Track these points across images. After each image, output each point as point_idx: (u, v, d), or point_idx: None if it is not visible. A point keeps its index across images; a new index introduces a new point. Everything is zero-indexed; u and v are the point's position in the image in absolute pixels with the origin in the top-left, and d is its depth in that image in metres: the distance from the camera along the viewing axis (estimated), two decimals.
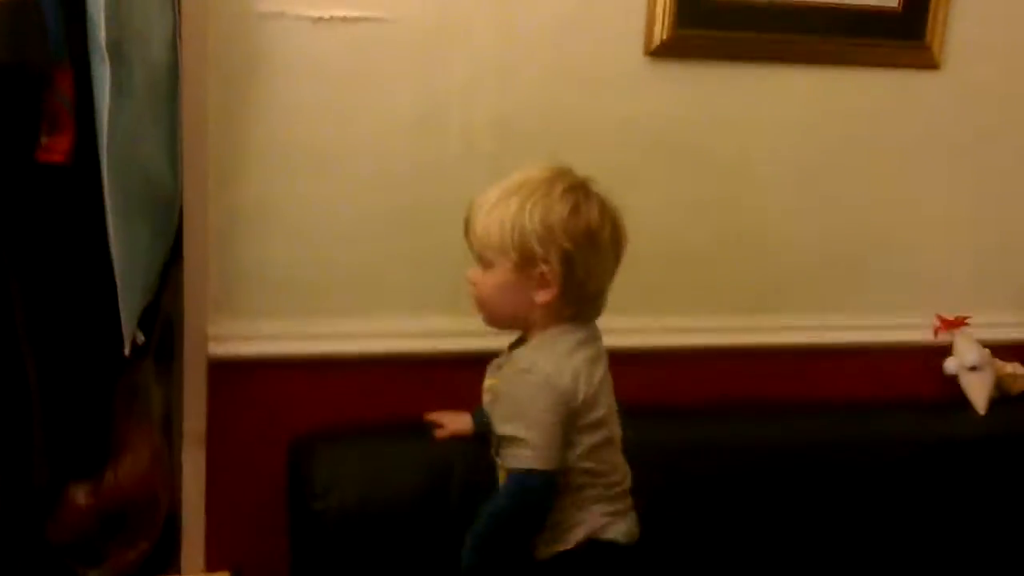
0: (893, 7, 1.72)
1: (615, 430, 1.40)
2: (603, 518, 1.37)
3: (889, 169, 1.81)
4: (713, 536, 1.67)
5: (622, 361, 1.69)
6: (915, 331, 1.89)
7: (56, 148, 1.23)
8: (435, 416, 1.57)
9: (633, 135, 1.68)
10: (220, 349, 1.57)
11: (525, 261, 1.30)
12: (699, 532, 1.66)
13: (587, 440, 1.34)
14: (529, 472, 1.30)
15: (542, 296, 1.32)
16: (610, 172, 1.63)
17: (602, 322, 1.67)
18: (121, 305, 1.33)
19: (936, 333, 1.89)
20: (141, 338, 1.39)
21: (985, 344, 1.86)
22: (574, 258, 1.30)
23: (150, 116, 1.35)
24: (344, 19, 1.52)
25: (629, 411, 1.69)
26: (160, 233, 1.45)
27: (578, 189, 1.33)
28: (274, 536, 1.59)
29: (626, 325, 1.70)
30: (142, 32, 1.27)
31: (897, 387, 1.89)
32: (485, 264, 1.34)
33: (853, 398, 1.85)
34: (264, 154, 1.54)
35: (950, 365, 1.88)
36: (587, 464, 1.35)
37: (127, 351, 1.34)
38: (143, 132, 1.32)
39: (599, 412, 1.35)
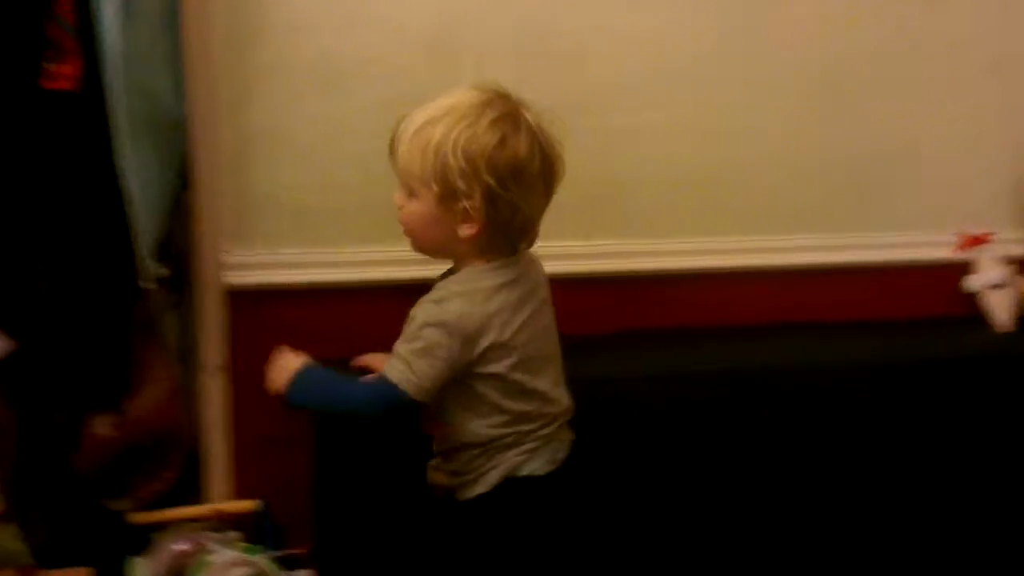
0: None
1: (540, 371, 1.33)
2: (517, 458, 1.32)
3: (905, 86, 1.75)
4: (723, 462, 1.64)
5: (640, 284, 1.71)
6: (935, 248, 1.84)
7: (63, 74, 1.17)
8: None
9: (647, 53, 1.62)
10: (236, 278, 1.53)
11: (448, 195, 1.23)
12: (707, 458, 1.63)
13: (493, 391, 1.29)
14: (401, 392, 1.26)
15: (465, 230, 1.25)
16: (623, 91, 1.62)
17: (618, 245, 1.68)
18: (136, 235, 1.29)
19: (957, 250, 1.85)
20: (164, 271, 1.35)
21: (1008, 261, 1.82)
22: (498, 195, 1.22)
23: (153, 38, 1.28)
24: None
25: (642, 335, 1.71)
26: (168, 160, 1.40)
27: (507, 118, 1.24)
28: (300, 465, 1.58)
29: (641, 248, 1.69)
30: None
31: (917, 306, 1.85)
32: (408, 192, 1.27)
33: (872, 318, 1.82)
34: (272, 75, 1.49)
35: (972, 282, 1.84)
36: (496, 421, 1.31)
37: (144, 283, 1.31)
38: (148, 55, 1.26)
39: (511, 359, 1.28)
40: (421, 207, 1.26)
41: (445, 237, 1.27)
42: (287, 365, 1.34)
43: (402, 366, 1.27)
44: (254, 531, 1.60)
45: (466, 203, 1.22)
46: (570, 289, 1.61)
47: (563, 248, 1.59)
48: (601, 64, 1.60)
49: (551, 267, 1.44)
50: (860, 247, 1.80)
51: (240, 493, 1.62)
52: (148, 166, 1.29)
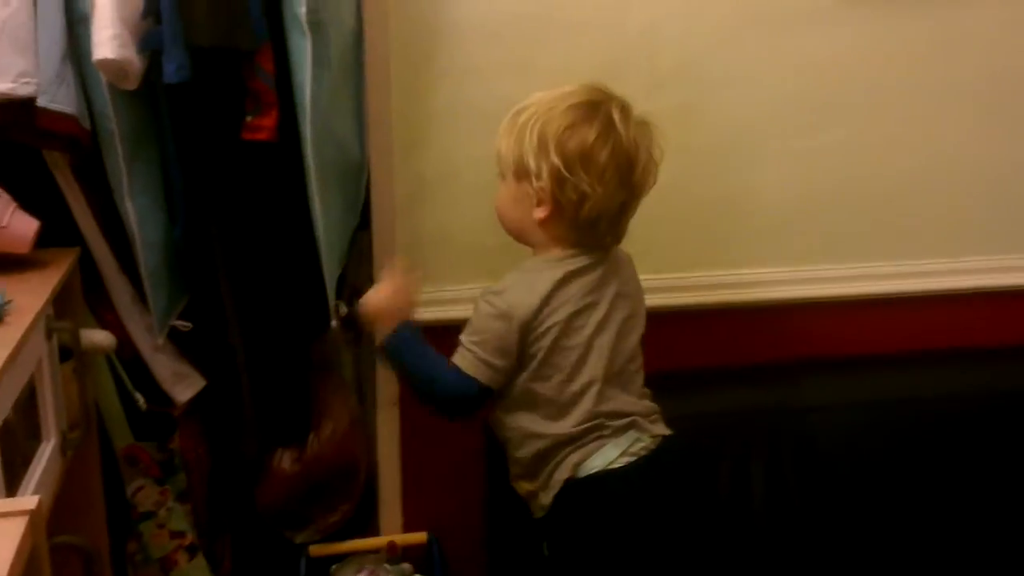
0: None
1: (594, 366, 1.29)
2: (575, 455, 1.28)
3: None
4: (863, 493, 1.57)
5: (808, 310, 1.65)
6: None
7: (263, 125, 1.20)
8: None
9: (821, 75, 1.57)
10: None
11: (521, 175, 1.26)
12: (848, 488, 1.57)
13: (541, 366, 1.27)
14: (476, 381, 1.27)
15: (539, 212, 1.26)
16: (796, 113, 1.58)
17: (785, 273, 1.63)
18: (326, 277, 1.31)
19: None
20: (344, 310, 1.38)
21: None
22: (565, 177, 1.23)
23: (342, 86, 1.31)
24: None
25: (821, 363, 1.65)
26: (351, 203, 1.43)
27: (586, 106, 1.25)
28: (471, 498, 1.58)
29: (811, 275, 1.65)
30: (336, 1, 1.23)
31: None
32: (500, 175, 1.31)
33: (978, 345, 1.71)
34: (445, 118, 1.50)
35: None
36: (545, 412, 1.28)
37: (333, 323, 1.33)
38: (338, 103, 1.29)
39: (556, 336, 1.27)
40: (505, 189, 1.30)
41: (523, 220, 1.29)
42: (398, 310, 1.32)
43: (471, 357, 1.28)
44: (425, 563, 1.62)
45: (536, 183, 1.25)
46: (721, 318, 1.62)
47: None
48: (775, 90, 1.57)
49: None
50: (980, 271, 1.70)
51: (412, 525, 1.64)
52: (334, 210, 1.32)
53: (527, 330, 1.26)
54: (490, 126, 1.49)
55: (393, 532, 1.63)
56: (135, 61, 1.18)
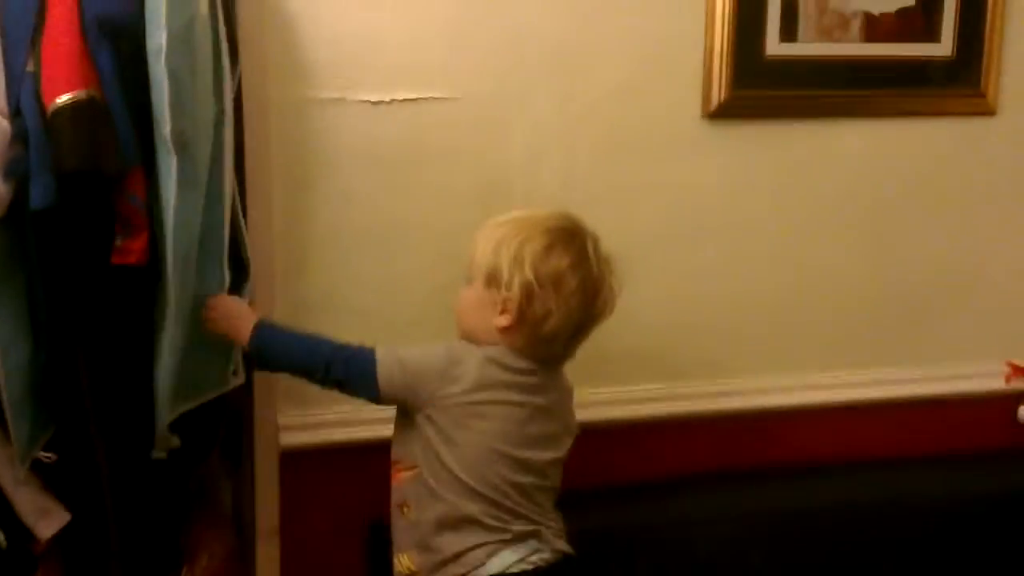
0: (947, 56, 1.67)
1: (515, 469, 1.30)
2: (481, 548, 1.27)
3: (949, 218, 1.75)
4: None
5: (689, 426, 1.67)
6: (985, 379, 1.81)
7: (132, 248, 1.16)
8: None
9: (695, 197, 1.63)
10: (291, 439, 1.50)
11: (492, 282, 1.30)
12: None
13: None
14: (374, 361, 1.30)
15: (501, 320, 1.30)
16: (672, 234, 1.62)
17: (669, 388, 1.64)
18: (157, 407, 1.26)
19: (1008, 380, 1.81)
20: (176, 442, 1.31)
21: None
22: (534, 292, 1.28)
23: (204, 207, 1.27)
24: (403, 101, 1.47)
25: (703, 478, 1.65)
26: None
27: (563, 233, 1.32)
28: None
29: (691, 391, 1.67)
30: (200, 120, 1.21)
31: (969, 438, 1.80)
32: (468, 279, 1.35)
33: (925, 453, 1.76)
34: (327, 242, 1.49)
35: None
36: (458, 488, 1.28)
37: (156, 454, 1.28)
38: (200, 225, 1.26)
39: (475, 417, 1.29)
40: (472, 293, 1.33)
41: (483, 326, 1.31)
42: (238, 311, 1.34)
43: (394, 349, 1.31)
44: None
45: (505, 293, 1.29)
46: (610, 436, 1.61)
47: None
48: (651, 211, 1.61)
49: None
50: (911, 381, 1.76)
51: None
52: (177, 339, 1.26)
53: (451, 380, 1.28)
54: (373, 247, 1.50)
55: None
56: (1, 188, 1.14)
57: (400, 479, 1.34)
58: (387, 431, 1.51)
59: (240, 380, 1.41)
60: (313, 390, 1.50)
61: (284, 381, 1.48)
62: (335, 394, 1.50)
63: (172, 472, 1.39)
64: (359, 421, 1.52)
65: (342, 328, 1.49)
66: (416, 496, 1.31)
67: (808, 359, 1.73)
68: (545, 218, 1.33)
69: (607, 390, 1.63)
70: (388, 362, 1.30)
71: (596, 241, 1.34)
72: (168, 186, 1.16)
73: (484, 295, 1.31)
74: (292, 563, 1.53)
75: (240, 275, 1.38)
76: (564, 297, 1.29)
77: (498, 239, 1.31)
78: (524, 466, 1.31)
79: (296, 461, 1.51)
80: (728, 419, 1.69)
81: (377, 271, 1.50)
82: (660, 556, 1.53)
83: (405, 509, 1.33)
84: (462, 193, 1.53)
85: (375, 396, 1.31)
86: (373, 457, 1.53)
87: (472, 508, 1.28)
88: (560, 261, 1.29)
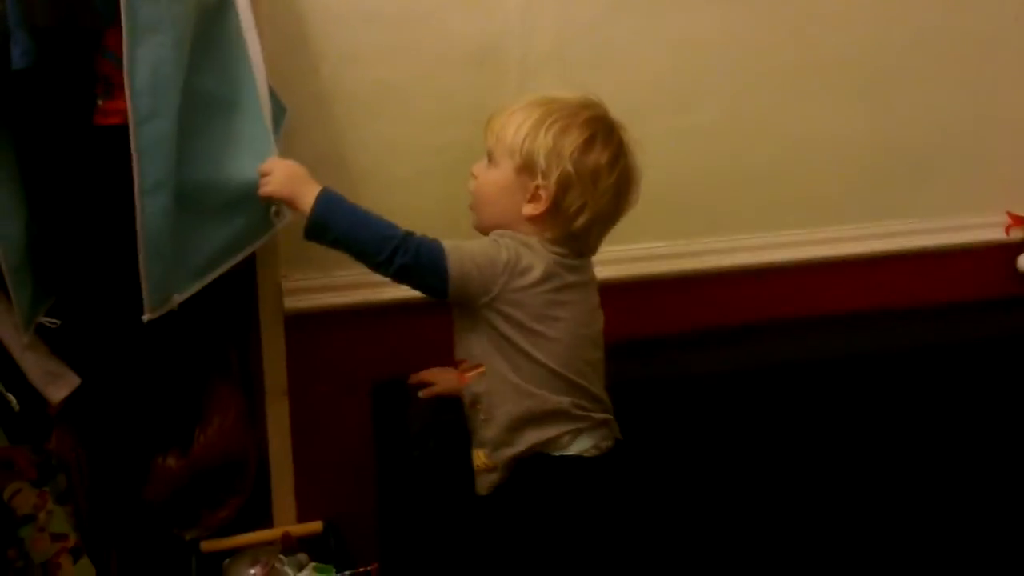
0: None
1: (570, 360, 1.27)
2: (551, 430, 1.25)
3: (952, 69, 1.68)
4: (786, 452, 1.58)
5: (691, 282, 1.64)
6: (986, 230, 1.77)
7: (114, 109, 1.11)
8: (425, 375, 1.44)
9: (695, 53, 1.55)
10: (295, 302, 1.48)
11: (526, 168, 1.23)
12: (772, 448, 1.57)
13: (518, 335, 1.23)
14: (443, 255, 1.20)
15: (529, 209, 1.24)
16: (668, 96, 1.55)
17: (673, 246, 1.61)
18: (141, 269, 1.18)
19: (1008, 230, 1.77)
20: (175, 303, 1.23)
21: None
22: (572, 185, 1.22)
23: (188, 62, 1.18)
24: None
25: (693, 335, 1.63)
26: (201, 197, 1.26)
27: (602, 123, 1.26)
28: (364, 485, 1.52)
29: (692, 248, 1.64)
30: None
31: (970, 288, 1.78)
32: (491, 160, 1.27)
33: (927, 303, 1.74)
34: (324, 103, 1.43)
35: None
36: (526, 375, 1.23)
37: (145, 316, 1.20)
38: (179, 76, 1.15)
39: (536, 318, 1.23)
40: (498, 176, 1.25)
41: (510, 212, 1.25)
42: (303, 177, 1.23)
43: (457, 241, 1.23)
44: (322, 551, 1.55)
45: (540, 181, 1.22)
46: (624, 291, 1.58)
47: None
48: (650, 70, 1.54)
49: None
50: (913, 232, 1.73)
51: (306, 515, 1.57)
52: (162, 200, 1.18)
53: (521, 273, 1.22)
54: (369, 108, 1.44)
55: (287, 523, 1.55)
56: None
57: (467, 379, 1.28)
58: (390, 293, 1.50)
59: (287, 218, 1.29)
60: (316, 252, 1.46)
61: (286, 244, 1.45)
62: (338, 256, 1.47)
63: (182, 335, 1.38)
64: (363, 284, 1.49)
65: (338, 189, 1.45)
66: (490, 393, 1.26)
67: (810, 215, 1.69)
68: (580, 106, 1.25)
69: (609, 249, 1.58)
70: (457, 255, 1.21)
71: (626, 130, 1.28)
72: (123, 31, 1.06)
73: (514, 180, 1.24)
74: (301, 423, 1.54)
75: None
76: (600, 192, 1.24)
77: (533, 123, 1.23)
78: (595, 343, 1.30)
79: (301, 324, 1.49)
80: (730, 275, 1.66)
81: (374, 131, 1.44)
82: (664, 411, 1.52)
83: (478, 406, 1.28)
84: (457, 53, 1.45)
85: (443, 288, 1.21)
86: (377, 319, 1.53)
87: (563, 400, 1.25)
88: (600, 156, 1.23)
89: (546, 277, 1.23)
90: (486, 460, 1.28)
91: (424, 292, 1.24)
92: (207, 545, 1.50)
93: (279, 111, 1.34)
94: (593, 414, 1.27)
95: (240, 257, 1.31)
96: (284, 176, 1.23)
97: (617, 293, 1.59)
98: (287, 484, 1.54)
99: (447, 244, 1.21)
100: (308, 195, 1.21)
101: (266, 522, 1.55)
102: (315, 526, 1.56)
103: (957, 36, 1.65)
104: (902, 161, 1.70)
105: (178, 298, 1.25)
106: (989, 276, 1.79)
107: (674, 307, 1.65)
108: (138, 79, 1.08)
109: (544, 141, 1.22)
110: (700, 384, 1.54)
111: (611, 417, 1.31)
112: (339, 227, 1.21)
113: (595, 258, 1.33)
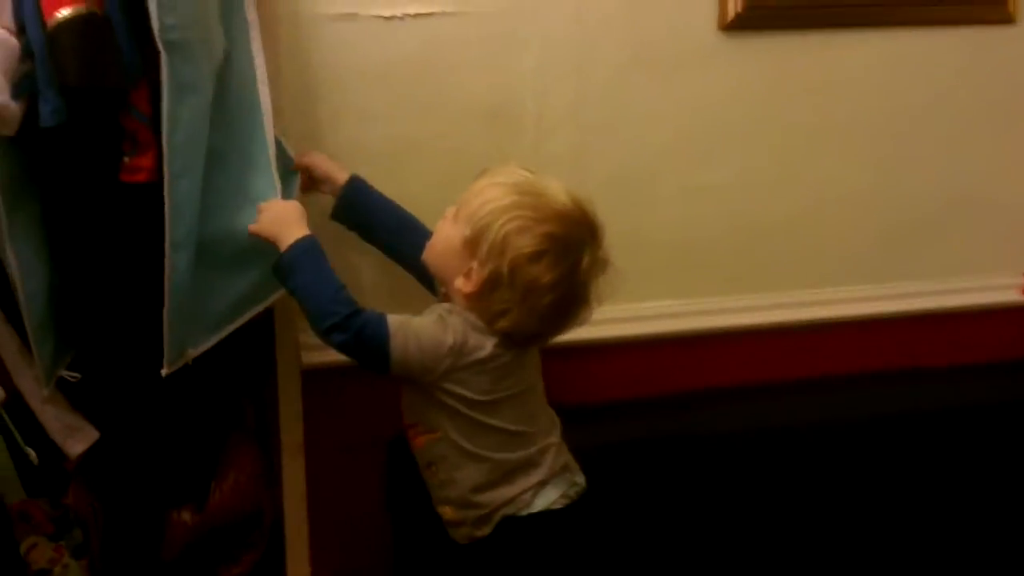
0: None
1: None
2: (524, 492, 1.23)
3: (966, 131, 1.66)
4: (786, 513, 1.54)
5: (702, 342, 1.61)
6: (1000, 292, 1.74)
7: (141, 166, 1.11)
8: (310, 158, 1.36)
9: (710, 113, 1.55)
10: (313, 357, 1.46)
11: (471, 245, 1.18)
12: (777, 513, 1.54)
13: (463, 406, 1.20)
14: (384, 334, 1.16)
15: (460, 282, 1.19)
16: (684, 152, 1.54)
17: (670, 304, 1.59)
18: (165, 323, 1.17)
19: (1023, 292, 1.74)
20: (189, 357, 1.23)
21: None
22: (501, 286, 1.17)
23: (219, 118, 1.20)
24: (416, 16, 1.39)
25: (717, 393, 1.60)
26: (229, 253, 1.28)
27: (562, 242, 1.17)
28: (378, 541, 1.49)
29: (704, 307, 1.61)
30: (197, 17, 1.11)
31: (987, 351, 1.74)
32: (456, 214, 1.22)
33: (939, 365, 1.71)
34: (341, 159, 1.42)
35: None
36: (482, 443, 1.21)
37: (164, 371, 1.19)
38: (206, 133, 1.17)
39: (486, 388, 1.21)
40: (452, 233, 1.21)
41: (449, 273, 1.22)
42: (292, 219, 1.20)
43: (403, 320, 1.19)
44: None
45: (475, 266, 1.18)
46: (620, 353, 1.56)
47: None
48: (666, 127, 1.53)
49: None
50: (926, 294, 1.69)
51: (320, 572, 1.53)
52: (188, 252, 1.18)
53: (463, 355, 1.19)
54: (386, 164, 1.44)
55: None
56: (11, 106, 1.08)
57: (421, 442, 1.26)
58: None
59: None
60: None
61: None
62: None
63: (199, 390, 1.36)
64: None
65: (352, 250, 1.45)
66: (445, 458, 1.24)
67: (823, 275, 1.66)
68: (555, 213, 1.17)
69: (621, 307, 1.57)
70: (401, 336, 1.17)
71: (597, 245, 1.21)
72: (164, 90, 1.08)
73: (459, 246, 1.19)
74: (317, 478, 1.51)
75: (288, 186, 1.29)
76: (530, 307, 1.17)
77: (498, 207, 1.17)
78: (539, 388, 1.29)
79: (318, 379, 1.47)
80: (742, 335, 1.63)
81: (388, 189, 1.42)
82: (675, 471, 1.49)
83: (434, 468, 1.26)
84: (473, 111, 1.46)
85: (384, 368, 1.18)
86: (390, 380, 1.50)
87: (521, 453, 1.23)
88: (543, 274, 1.16)
89: (492, 357, 1.20)
90: (454, 515, 1.27)
91: (365, 368, 1.21)
92: None
93: (290, 165, 1.35)
94: (552, 459, 1.25)
95: (255, 310, 1.31)
96: (273, 215, 1.21)
97: (625, 352, 1.59)
98: (302, 541, 1.51)
99: (392, 324, 1.18)
100: (290, 238, 1.18)
101: None
102: None
103: (972, 98, 1.64)
104: (916, 221, 1.67)
105: (192, 352, 1.24)
106: (1004, 339, 1.75)
107: (685, 366, 1.62)
108: (176, 137, 1.09)
109: (497, 231, 1.16)
110: (706, 444, 1.52)
111: (568, 457, 1.28)
112: (298, 280, 1.19)
113: (602, 317, 1.29)
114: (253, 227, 1.21)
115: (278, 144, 1.28)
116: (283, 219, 1.20)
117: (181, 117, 1.09)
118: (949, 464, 1.59)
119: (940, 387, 1.67)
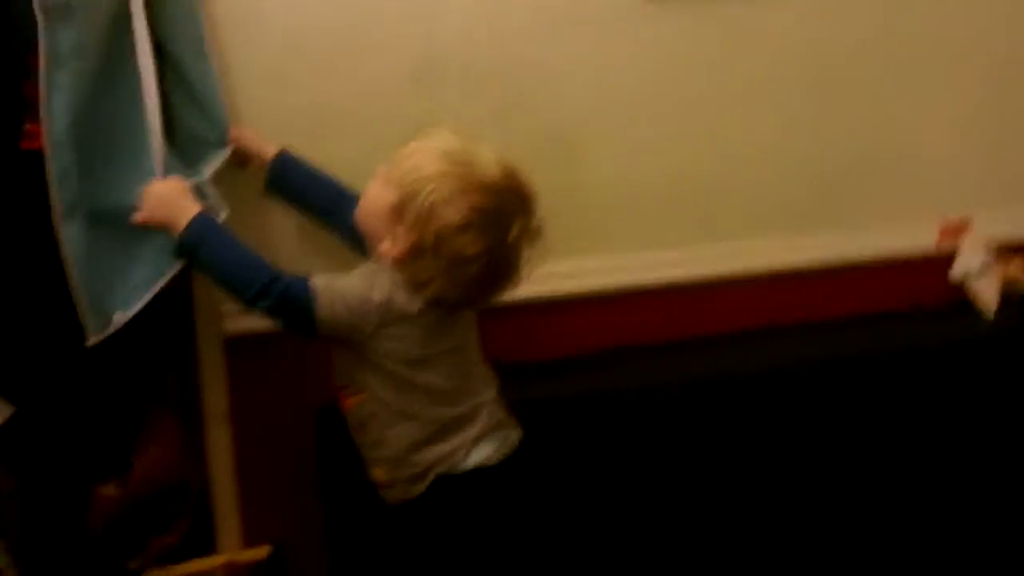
0: None
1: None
2: (458, 449, 1.23)
3: (887, 81, 1.66)
4: (723, 464, 1.56)
5: (635, 297, 1.61)
6: (919, 242, 1.76)
7: (39, 133, 1.06)
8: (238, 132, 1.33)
9: (636, 71, 1.53)
10: (235, 324, 1.42)
11: (398, 210, 1.16)
12: (714, 465, 1.56)
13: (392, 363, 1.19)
14: (310, 297, 1.15)
15: (385, 246, 1.18)
16: (611, 111, 1.53)
17: (604, 260, 1.58)
18: (73, 292, 1.13)
19: (939, 241, 1.77)
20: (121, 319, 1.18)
21: (990, 246, 1.73)
22: (424, 255, 1.15)
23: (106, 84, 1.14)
24: None
25: (645, 348, 1.61)
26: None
27: (490, 215, 1.15)
28: (310, 507, 1.47)
29: (624, 262, 1.60)
30: None
31: (906, 300, 1.76)
32: (388, 173, 1.19)
33: (862, 313, 1.73)
34: (263, 129, 1.37)
35: (956, 272, 1.76)
36: (409, 397, 1.21)
37: (90, 341, 1.16)
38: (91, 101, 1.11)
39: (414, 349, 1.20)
40: (381, 195, 1.18)
41: (375, 234, 1.20)
42: (177, 199, 1.15)
43: (327, 280, 1.17)
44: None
45: (401, 230, 1.16)
46: (558, 309, 1.56)
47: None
48: (589, 89, 1.52)
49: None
50: (849, 244, 1.70)
51: (253, 539, 1.51)
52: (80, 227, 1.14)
53: (390, 313, 1.17)
54: (308, 129, 1.39)
55: (234, 549, 1.49)
56: None
57: (352, 403, 1.25)
58: None
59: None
60: None
61: None
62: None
63: (120, 363, 1.32)
64: None
65: (273, 213, 1.41)
66: (375, 415, 1.23)
67: (746, 228, 1.66)
68: (484, 184, 1.15)
69: (549, 265, 1.56)
70: (327, 296, 1.15)
71: (529, 214, 1.19)
72: (40, 54, 1.03)
73: (387, 210, 1.17)
74: (246, 446, 1.48)
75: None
76: (454, 276, 1.16)
77: (427, 174, 1.14)
78: (474, 343, 1.27)
79: (241, 346, 1.44)
80: (669, 289, 1.63)
81: (315, 157, 1.38)
82: (602, 426, 1.50)
83: (366, 428, 1.25)
84: (396, 74, 1.42)
85: (312, 330, 1.17)
86: (319, 341, 1.47)
87: (453, 409, 1.22)
88: (468, 246, 1.14)
89: (421, 314, 1.18)
90: (385, 477, 1.26)
91: (292, 332, 1.19)
92: (152, 574, 1.44)
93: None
94: (487, 415, 1.25)
95: (177, 267, 1.25)
96: (156, 200, 1.16)
97: (562, 309, 1.58)
98: (232, 509, 1.49)
99: (319, 284, 1.16)
100: (183, 217, 1.15)
101: (211, 549, 1.49)
102: (261, 552, 1.50)
103: (889, 52, 1.65)
104: (837, 173, 1.68)
105: (120, 316, 1.20)
106: (923, 288, 1.78)
107: (613, 322, 1.62)
108: (55, 102, 1.04)
109: (423, 199, 1.14)
110: (640, 398, 1.52)
111: (504, 413, 1.28)
112: (207, 258, 1.16)
113: (540, 273, 1.26)
114: (140, 216, 1.17)
115: (209, 115, 1.24)
116: (168, 200, 1.16)
117: (60, 83, 1.04)
118: (867, 411, 1.61)
119: (860, 335, 1.69)
